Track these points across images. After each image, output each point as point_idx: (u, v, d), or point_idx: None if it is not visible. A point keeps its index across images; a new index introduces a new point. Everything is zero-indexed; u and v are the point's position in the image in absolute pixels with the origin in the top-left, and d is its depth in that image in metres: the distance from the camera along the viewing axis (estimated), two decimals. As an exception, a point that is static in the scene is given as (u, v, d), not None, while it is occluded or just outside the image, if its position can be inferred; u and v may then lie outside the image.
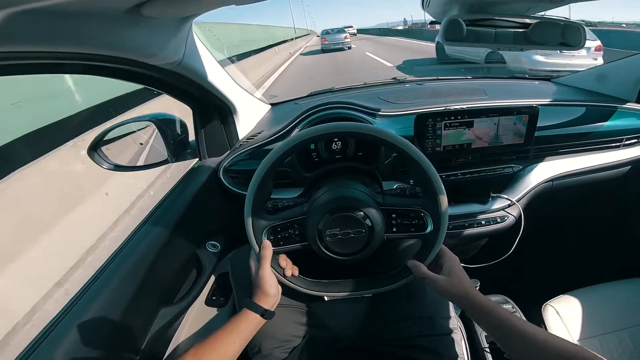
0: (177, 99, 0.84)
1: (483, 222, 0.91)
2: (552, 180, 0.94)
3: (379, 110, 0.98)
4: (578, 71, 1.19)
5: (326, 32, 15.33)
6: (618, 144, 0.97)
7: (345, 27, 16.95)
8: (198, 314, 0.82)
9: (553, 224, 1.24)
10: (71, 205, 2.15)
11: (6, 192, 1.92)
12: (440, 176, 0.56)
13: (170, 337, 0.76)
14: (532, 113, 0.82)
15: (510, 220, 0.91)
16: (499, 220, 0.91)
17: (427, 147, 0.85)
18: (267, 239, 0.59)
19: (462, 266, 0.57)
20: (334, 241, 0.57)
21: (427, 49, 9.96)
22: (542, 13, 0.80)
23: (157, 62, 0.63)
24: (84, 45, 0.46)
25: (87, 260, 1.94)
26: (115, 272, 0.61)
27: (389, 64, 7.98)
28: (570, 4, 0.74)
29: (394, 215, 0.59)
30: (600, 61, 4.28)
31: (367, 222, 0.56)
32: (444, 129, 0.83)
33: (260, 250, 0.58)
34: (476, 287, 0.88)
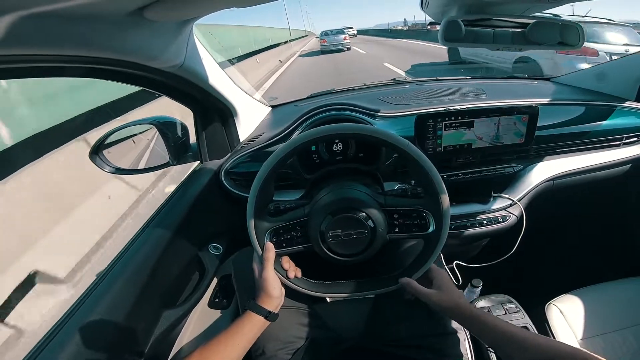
0: (178, 102, 0.84)
1: (484, 222, 0.91)
2: (552, 179, 0.94)
3: (379, 111, 0.98)
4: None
5: (325, 34, 15.31)
6: (618, 142, 0.97)
7: (345, 28, 16.91)
8: (201, 316, 0.82)
9: (554, 223, 1.24)
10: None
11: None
12: (441, 176, 0.56)
13: (173, 339, 0.76)
14: (532, 113, 0.82)
15: (511, 219, 0.91)
16: (500, 219, 0.91)
17: (428, 148, 0.85)
18: (270, 241, 0.59)
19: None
20: (337, 242, 0.57)
21: (438, 51, 8.66)
22: (544, 13, 0.81)
23: (159, 65, 0.63)
24: (88, 48, 0.46)
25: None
26: (118, 275, 0.61)
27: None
28: (572, 4, 0.74)
29: (395, 216, 0.59)
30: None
31: (369, 222, 0.57)
32: (445, 130, 0.83)
33: (263, 252, 0.58)
34: (479, 286, 0.89)
